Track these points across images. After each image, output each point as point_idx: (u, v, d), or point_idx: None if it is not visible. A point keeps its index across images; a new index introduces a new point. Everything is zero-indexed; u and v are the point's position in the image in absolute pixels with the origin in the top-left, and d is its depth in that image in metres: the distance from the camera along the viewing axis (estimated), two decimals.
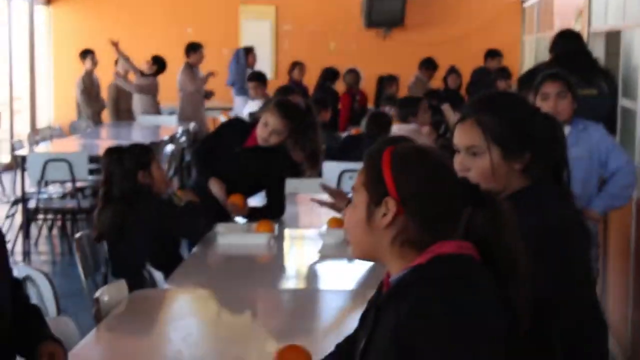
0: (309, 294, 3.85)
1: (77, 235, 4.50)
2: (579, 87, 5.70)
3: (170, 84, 12.25)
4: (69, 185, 8.22)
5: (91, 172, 7.97)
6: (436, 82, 12.06)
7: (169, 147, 9.25)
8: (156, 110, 11.75)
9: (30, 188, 8.45)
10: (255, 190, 5.22)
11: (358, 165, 5.56)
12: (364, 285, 3.86)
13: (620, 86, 6.31)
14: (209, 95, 11.81)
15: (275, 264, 4.44)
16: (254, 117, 5.51)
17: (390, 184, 1.89)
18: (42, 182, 8.08)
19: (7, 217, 8.27)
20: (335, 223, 4.63)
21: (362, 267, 4.05)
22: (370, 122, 7.42)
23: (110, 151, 4.59)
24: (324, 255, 4.37)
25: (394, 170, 1.89)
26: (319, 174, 6.11)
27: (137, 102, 11.55)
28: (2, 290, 2.72)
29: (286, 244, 4.72)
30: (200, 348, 3.06)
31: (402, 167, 1.90)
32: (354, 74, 11.72)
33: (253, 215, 5.01)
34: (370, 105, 11.92)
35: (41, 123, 13.70)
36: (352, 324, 3.34)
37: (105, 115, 12.10)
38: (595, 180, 4.64)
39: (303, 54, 13.33)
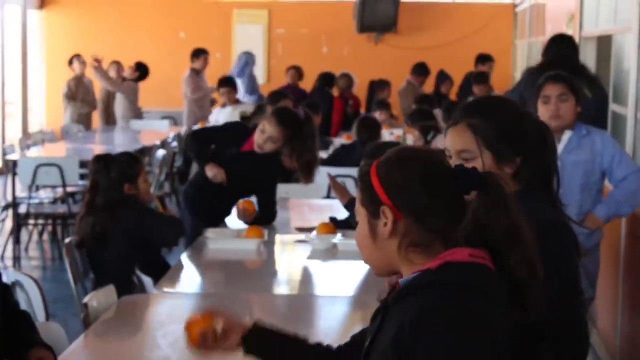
0: (298, 299, 3.85)
1: (67, 240, 4.49)
2: None
3: (164, 88, 12.25)
4: (59, 190, 8.20)
5: (82, 177, 7.95)
6: (428, 87, 12.07)
7: (160, 152, 9.24)
8: (135, 114, 11.66)
9: (21, 193, 8.43)
10: (246, 194, 5.22)
11: (351, 171, 5.52)
12: (354, 290, 3.86)
13: (611, 91, 6.32)
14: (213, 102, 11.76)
15: (264, 269, 4.43)
16: (254, 123, 5.50)
17: (380, 191, 1.89)
18: (33, 186, 8.06)
19: None
20: (325, 228, 4.63)
21: (352, 272, 4.05)
22: (360, 127, 7.45)
23: (99, 159, 4.55)
24: (313, 260, 4.37)
25: (381, 177, 1.90)
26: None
27: (117, 105, 11.52)
28: None
29: (276, 250, 4.72)
30: (189, 354, 3.04)
31: (386, 171, 1.90)
32: (347, 78, 11.73)
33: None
34: (362, 110, 11.94)
35: (33, 127, 13.68)
36: (342, 328, 3.35)
37: (96, 118, 12.07)
38: (595, 187, 4.39)
39: (296, 58, 13.34)
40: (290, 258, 4.60)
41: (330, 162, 7.26)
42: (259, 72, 13.04)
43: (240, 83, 10.89)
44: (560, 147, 4.14)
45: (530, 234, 1.90)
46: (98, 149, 9.79)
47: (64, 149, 9.50)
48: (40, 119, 14.51)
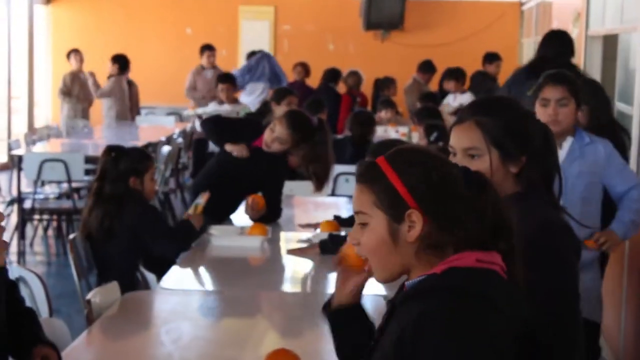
0: (301, 297, 3.85)
1: (71, 236, 4.50)
2: None
3: (170, 84, 12.25)
4: (65, 186, 8.21)
5: (87, 172, 7.96)
6: (434, 85, 12.06)
7: (166, 148, 9.25)
8: (124, 113, 11.43)
9: (26, 188, 8.44)
10: (252, 191, 5.22)
11: (341, 168, 5.44)
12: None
13: (616, 90, 6.30)
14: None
15: (268, 266, 4.43)
16: (268, 120, 5.50)
17: (407, 196, 1.85)
18: (38, 182, 8.07)
19: None
20: (329, 226, 4.63)
21: None
22: (352, 123, 7.45)
23: (110, 149, 4.57)
24: (317, 257, 4.36)
25: (405, 181, 1.86)
26: None
27: (105, 106, 11.43)
28: None
29: (279, 247, 4.72)
30: (192, 350, 3.05)
31: (411, 174, 1.87)
32: (355, 76, 11.72)
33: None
34: (369, 108, 11.93)
35: (39, 122, 13.71)
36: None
37: (96, 115, 11.99)
38: (596, 199, 4.06)
39: (302, 54, 13.34)
40: (294, 256, 4.59)
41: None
42: None
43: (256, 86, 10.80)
44: (562, 155, 3.88)
45: (515, 233, 1.92)
46: (103, 144, 9.80)
47: (70, 145, 9.51)
48: (46, 114, 14.53)
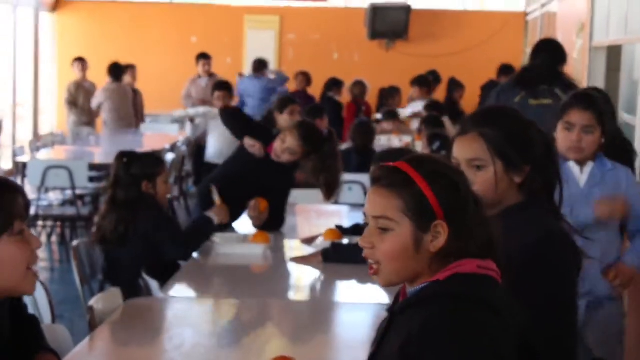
0: (304, 305, 3.85)
1: (75, 243, 4.51)
2: (532, 97, 5.37)
3: (175, 92, 12.26)
4: (69, 193, 8.23)
5: (91, 179, 7.97)
6: (439, 95, 12.06)
7: (170, 156, 9.27)
8: (124, 120, 11.33)
9: (30, 194, 8.46)
10: (256, 196, 5.22)
11: (349, 177, 5.39)
12: (360, 297, 3.86)
13: (620, 101, 6.31)
14: None
15: (270, 274, 4.44)
16: (278, 130, 5.52)
17: (437, 207, 1.86)
18: (43, 188, 8.09)
19: None
20: (331, 235, 4.63)
21: (360, 279, 4.05)
22: (354, 133, 7.51)
23: (122, 155, 4.58)
24: (320, 266, 4.37)
25: (436, 191, 1.87)
26: None
27: (104, 114, 11.43)
28: (2, 304, 2.72)
29: (282, 255, 4.72)
30: (194, 358, 3.05)
31: (440, 185, 1.88)
32: (360, 85, 11.77)
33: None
34: (373, 117, 11.94)
35: (44, 129, 13.74)
36: (348, 336, 3.36)
37: (101, 123, 12.00)
38: (615, 226, 3.81)
39: (307, 63, 13.37)
40: (296, 264, 4.59)
41: None
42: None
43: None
44: (582, 180, 3.72)
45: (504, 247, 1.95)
46: (108, 151, 9.83)
47: (74, 152, 9.53)
48: (51, 121, 14.57)
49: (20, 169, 8.30)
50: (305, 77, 12.09)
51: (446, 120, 8.52)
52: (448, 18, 14.57)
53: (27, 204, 2.29)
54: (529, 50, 13.91)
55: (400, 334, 1.83)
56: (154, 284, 3.94)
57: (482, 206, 1.93)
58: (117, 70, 11.28)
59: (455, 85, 12.04)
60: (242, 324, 3.58)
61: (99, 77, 11.87)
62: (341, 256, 4.23)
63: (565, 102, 3.73)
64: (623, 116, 6.39)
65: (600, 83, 7.64)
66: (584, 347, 3.41)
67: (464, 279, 1.85)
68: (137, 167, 4.50)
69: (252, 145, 5.21)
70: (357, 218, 5.16)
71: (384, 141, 9.17)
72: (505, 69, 11.33)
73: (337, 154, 5.20)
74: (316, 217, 5.82)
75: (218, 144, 8.45)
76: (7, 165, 12.46)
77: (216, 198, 4.74)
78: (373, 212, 1.90)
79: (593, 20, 7.78)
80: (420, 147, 7.99)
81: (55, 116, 14.62)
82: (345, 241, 4.56)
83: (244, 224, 5.16)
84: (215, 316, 3.67)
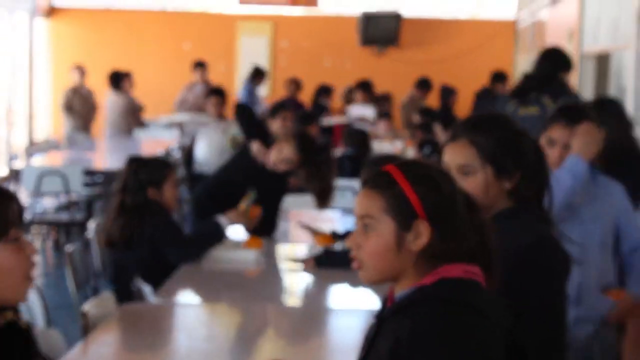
0: (296, 310, 3.88)
1: (69, 248, 4.53)
2: (523, 105, 5.30)
3: (168, 99, 12.28)
4: (63, 198, 8.26)
5: (86, 185, 8.00)
6: (431, 102, 12.12)
7: None
8: (120, 128, 11.35)
9: (25, 200, 8.48)
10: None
11: (347, 182, 5.45)
12: (351, 303, 3.90)
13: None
14: None
15: (263, 279, 4.46)
16: (273, 137, 5.55)
17: (418, 206, 1.90)
18: (37, 194, 8.11)
19: None
20: (322, 240, 4.68)
21: (353, 284, 4.08)
22: (347, 139, 7.56)
23: (131, 161, 4.60)
24: (312, 271, 4.40)
25: (418, 192, 1.91)
26: None
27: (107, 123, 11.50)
28: None
29: (275, 260, 4.75)
30: None
31: (424, 188, 1.91)
32: (351, 92, 11.82)
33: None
34: None
35: (39, 135, 13.74)
36: (340, 341, 3.39)
37: (96, 129, 12.01)
38: (612, 245, 3.52)
39: (299, 70, 13.41)
40: (289, 269, 4.64)
41: None
42: (262, 84, 13.11)
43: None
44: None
45: (496, 253, 1.97)
46: (102, 158, 9.86)
47: (68, 158, 9.55)
48: (46, 127, 14.57)
49: (15, 175, 8.32)
50: (296, 84, 12.16)
51: (437, 126, 8.57)
52: (439, 26, 14.62)
53: (21, 210, 2.31)
54: (519, 57, 14.00)
55: (389, 338, 1.86)
56: (147, 288, 3.97)
57: (477, 210, 1.96)
58: (113, 80, 11.37)
59: (448, 92, 12.09)
60: (234, 329, 3.60)
61: (92, 83, 11.92)
62: (333, 261, 4.28)
63: (552, 114, 3.50)
64: None
65: (589, 90, 7.70)
66: None
67: (452, 283, 1.87)
68: (144, 173, 4.51)
69: (259, 150, 5.23)
70: (350, 223, 5.20)
71: (376, 147, 9.22)
72: (498, 77, 11.39)
73: (331, 163, 5.26)
74: (309, 222, 5.84)
75: (206, 152, 8.27)
76: (2, 171, 12.47)
77: (243, 204, 4.71)
78: (358, 212, 1.95)
79: (582, 28, 7.84)
80: (411, 153, 8.05)
81: (50, 122, 14.63)
82: (337, 246, 4.61)
83: (236, 230, 5.19)
84: (208, 321, 3.68)
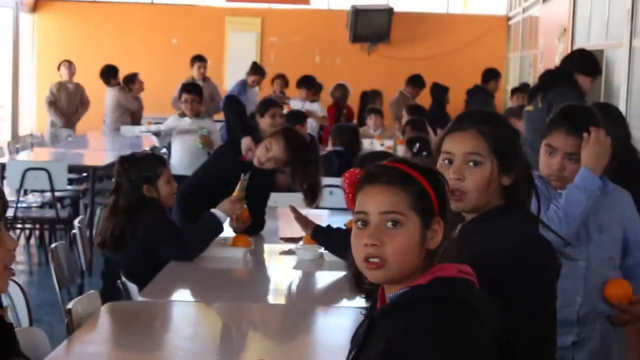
0: (284, 309, 3.85)
1: (53, 245, 4.47)
2: (528, 103, 5.43)
3: (155, 95, 12.22)
4: (48, 195, 8.17)
5: (70, 181, 7.91)
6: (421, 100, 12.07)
7: None
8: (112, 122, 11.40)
9: (9, 197, 8.39)
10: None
11: (329, 181, 5.42)
12: (339, 301, 3.86)
13: None
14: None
15: (250, 278, 4.44)
16: (260, 136, 5.47)
17: (436, 205, 1.92)
18: (21, 190, 8.03)
19: None
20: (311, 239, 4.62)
21: (340, 283, 4.04)
22: (335, 137, 7.51)
23: (122, 161, 4.51)
24: (299, 270, 4.36)
25: (436, 192, 1.93)
26: None
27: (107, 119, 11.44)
28: None
29: (262, 259, 4.71)
30: None
31: (435, 183, 1.95)
32: (342, 88, 11.77)
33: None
34: (355, 121, 11.95)
35: (23, 131, 13.66)
36: (327, 339, 3.35)
37: (80, 124, 11.94)
38: (618, 253, 3.22)
39: (288, 66, 13.37)
40: (277, 267, 4.58)
41: None
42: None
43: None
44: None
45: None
46: (87, 154, 9.78)
47: (53, 154, 9.47)
48: (31, 122, 14.50)
49: None
50: (283, 80, 12.07)
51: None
52: (430, 21, 14.61)
53: (5, 204, 2.28)
54: (511, 54, 13.99)
55: (382, 338, 1.85)
56: (133, 287, 3.92)
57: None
58: (103, 75, 11.34)
59: (441, 90, 11.98)
60: (221, 327, 3.58)
61: (79, 78, 11.81)
62: (329, 240, 4.21)
63: (552, 118, 3.22)
64: None
65: None
66: None
67: (446, 282, 1.88)
68: (135, 173, 4.43)
69: (250, 149, 5.16)
70: (338, 222, 5.15)
71: (366, 144, 9.18)
72: (490, 74, 11.32)
73: (318, 161, 5.19)
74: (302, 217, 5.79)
75: (181, 154, 8.05)
76: None
77: (237, 188, 4.60)
78: (382, 208, 1.90)
79: (574, 25, 7.82)
80: (401, 151, 8.00)
81: (34, 117, 14.55)
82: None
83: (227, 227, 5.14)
84: (195, 319, 3.66)
